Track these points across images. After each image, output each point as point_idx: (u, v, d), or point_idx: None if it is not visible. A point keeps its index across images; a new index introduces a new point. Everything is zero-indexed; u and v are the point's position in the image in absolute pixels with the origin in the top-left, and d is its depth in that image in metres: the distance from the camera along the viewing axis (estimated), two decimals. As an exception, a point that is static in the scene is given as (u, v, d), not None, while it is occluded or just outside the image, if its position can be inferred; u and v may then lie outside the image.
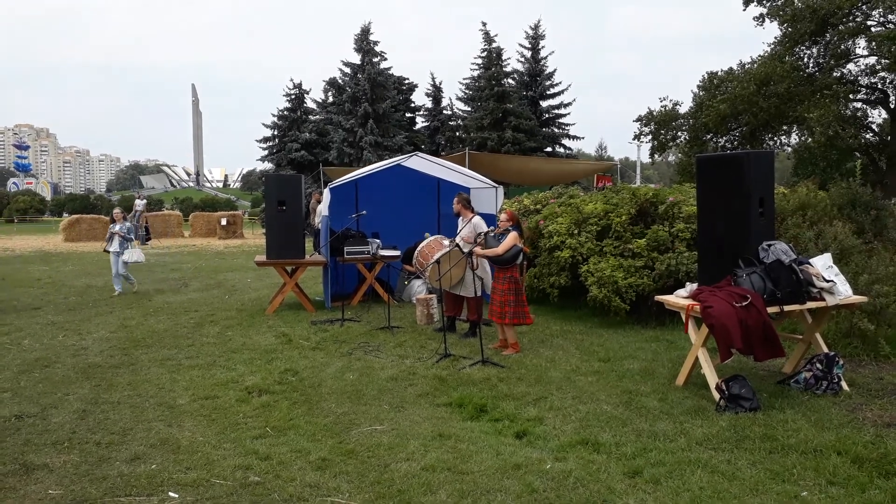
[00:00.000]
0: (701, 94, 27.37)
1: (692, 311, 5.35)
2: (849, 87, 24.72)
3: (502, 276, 6.83)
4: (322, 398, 5.41)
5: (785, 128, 27.33)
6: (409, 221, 10.29)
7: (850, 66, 25.45)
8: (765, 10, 25.94)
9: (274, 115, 40.15)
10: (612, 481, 3.79)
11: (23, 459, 4.20)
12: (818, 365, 5.35)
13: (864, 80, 25.68)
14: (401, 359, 6.67)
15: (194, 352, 7.07)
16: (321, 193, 11.72)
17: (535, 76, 39.29)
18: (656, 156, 31.10)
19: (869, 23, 24.27)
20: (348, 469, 4.03)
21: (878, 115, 27.31)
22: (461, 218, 7.63)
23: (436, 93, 41.61)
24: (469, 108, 39.13)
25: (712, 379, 5.20)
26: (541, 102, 39.35)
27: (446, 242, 7.82)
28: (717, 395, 5.05)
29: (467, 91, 39.29)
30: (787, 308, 5.28)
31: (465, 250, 7.25)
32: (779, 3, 25.42)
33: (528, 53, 39.40)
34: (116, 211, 12.07)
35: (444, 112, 41.30)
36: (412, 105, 41.05)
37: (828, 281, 5.38)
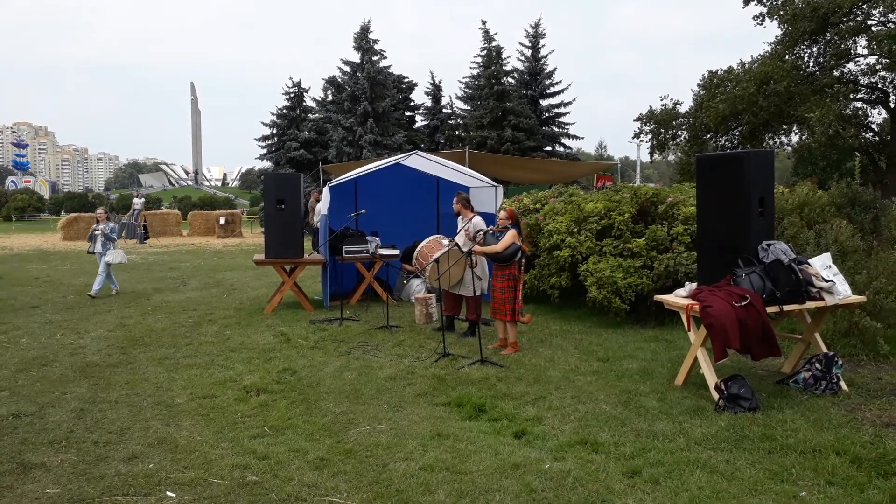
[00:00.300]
0: (701, 93, 27.35)
1: (691, 311, 5.34)
2: (849, 86, 24.70)
3: (501, 273, 6.83)
4: (320, 397, 5.40)
5: (785, 127, 27.32)
6: (409, 220, 10.29)
7: (850, 65, 25.46)
8: (765, 9, 25.92)
9: (273, 114, 40.17)
10: (611, 481, 3.78)
11: (20, 458, 4.19)
12: (817, 365, 5.35)
13: (863, 80, 25.68)
14: (399, 358, 6.66)
15: (192, 351, 7.06)
16: (320, 192, 11.70)
17: (535, 75, 39.25)
18: (655, 155, 31.09)
19: (869, 22, 24.26)
20: (346, 469, 4.02)
21: (877, 115, 27.34)
22: (461, 217, 7.62)
23: (435, 91, 41.60)
24: (469, 107, 39.09)
25: (711, 379, 5.19)
26: (540, 101, 39.31)
27: (445, 242, 7.81)
28: (716, 395, 5.04)
29: (467, 90, 39.26)
30: (786, 308, 5.28)
31: (465, 249, 7.23)
32: (779, 2, 25.39)
33: (528, 52, 39.38)
34: (100, 211, 11.94)
35: (444, 111, 41.29)
36: (412, 104, 41.05)
37: (827, 281, 5.37)
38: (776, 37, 26.18)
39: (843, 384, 5.35)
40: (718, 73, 27.08)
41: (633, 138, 29.99)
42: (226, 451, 4.31)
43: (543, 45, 39.45)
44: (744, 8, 26.59)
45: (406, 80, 40.39)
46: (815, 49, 25.71)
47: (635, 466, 3.96)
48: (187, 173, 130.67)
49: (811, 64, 25.83)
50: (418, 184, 10.47)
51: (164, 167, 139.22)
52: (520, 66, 39.42)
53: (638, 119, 28.91)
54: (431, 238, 8.08)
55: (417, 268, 8.00)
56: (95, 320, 8.83)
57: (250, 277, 13.29)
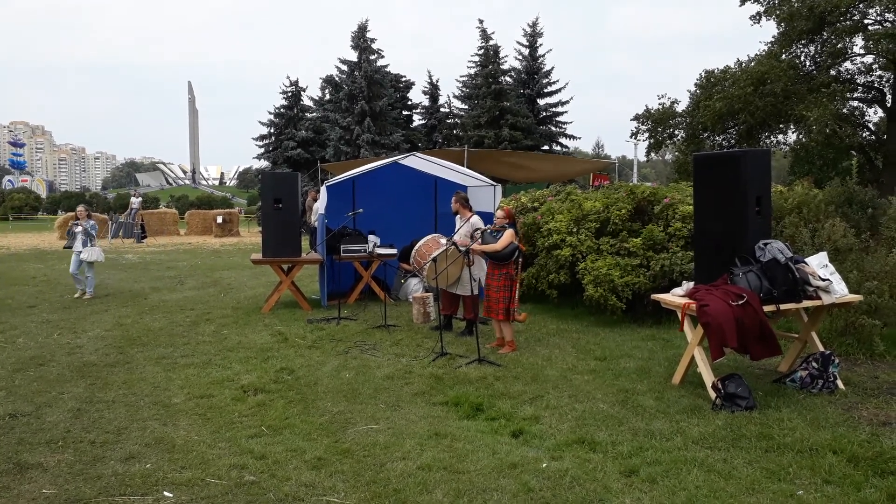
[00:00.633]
0: (698, 92, 27.36)
1: (688, 310, 5.35)
2: (846, 85, 24.73)
3: (497, 272, 6.83)
4: (318, 397, 5.40)
5: (782, 126, 27.34)
6: (406, 220, 10.29)
7: (847, 64, 25.49)
8: (761, 9, 25.93)
9: (270, 113, 40.05)
10: (609, 480, 3.79)
11: (16, 458, 4.18)
12: (814, 364, 5.36)
13: (860, 79, 25.71)
14: (397, 357, 6.66)
15: (190, 350, 7.05)
16: (318, 191, 11.69)
17: (533, 74, 39.21)
18: (652, 153, 31.09)
19: (866, 21, 24.29)
20: (344, 468, 4.02)
21: (874, 114, 27.39)
22: (459, 216, 7.62)
23: (433, 90, 41.52)
24: (466, 106, 39.03)
25: (708, 378, 5.20)
26: (538, 100, 39.27)
27: (443, 241, 7.81)
28: (713, 394, 5.05)
29: (464, 89, 39.19)
30: (783, 307, 5.29)
31: (462, 249, 7.23)
32: (775, 1, 25.41)
33: (526, 51, 39.32)
34: (80, 209, 11.74)
35: (442, 110, 41.24)
36: (409, 103, 40.98)
37: (823, 280, 5.38)
38: (773, 36, 26.18)
39: (839, 383, 5.37)
40: (715, 72, 27.09)
41: (630, 137, 30.03)
42: (223, 450, 4.31)
43: (541, 44, 39.41)
44: (740, 6, 26.60)
45: (404, 79, 40.33)
46: (811, 48, 25.71)
47: (633, 465, 3.96)
48: (185, 172, 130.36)
49: (808, 63, 25.85)
50: (416, 183, 10.47)
51: (161, 166, 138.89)
52: (517, 65, 39.41)
53: (635, 118, 28.93)
54: (429, 237, 8.08)
55: (415, 267, 8.00)
56: (92, 320, 8.81)
57: (248, 277, 13.27)
